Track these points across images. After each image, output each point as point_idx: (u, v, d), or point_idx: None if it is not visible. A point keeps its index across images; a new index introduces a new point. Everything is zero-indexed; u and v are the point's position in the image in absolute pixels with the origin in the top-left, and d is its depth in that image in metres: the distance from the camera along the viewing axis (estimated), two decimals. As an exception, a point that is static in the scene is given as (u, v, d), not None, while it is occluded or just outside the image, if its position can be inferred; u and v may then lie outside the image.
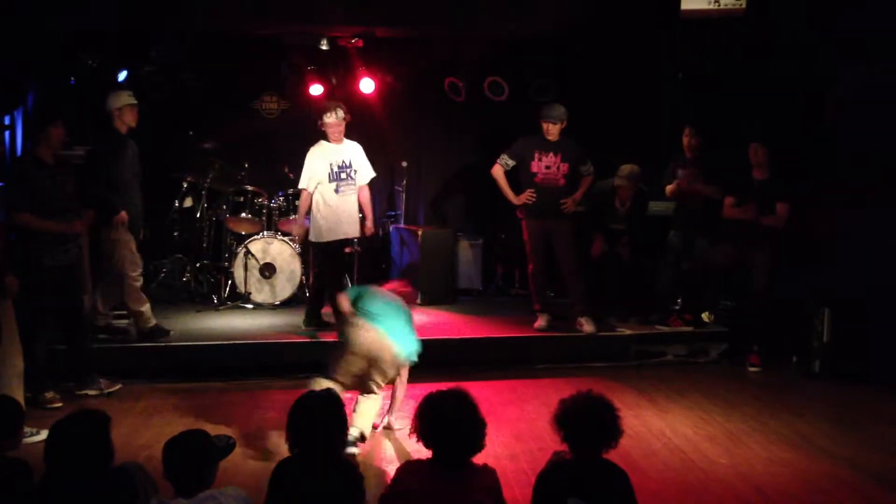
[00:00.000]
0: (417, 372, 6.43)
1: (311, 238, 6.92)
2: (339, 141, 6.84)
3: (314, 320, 7.05)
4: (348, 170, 6.83)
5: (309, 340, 6.70)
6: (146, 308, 6.52)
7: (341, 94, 8.41)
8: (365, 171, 6.98)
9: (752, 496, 4.28)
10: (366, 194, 7.01)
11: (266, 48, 8.10)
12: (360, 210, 7.01)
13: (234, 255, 7.90)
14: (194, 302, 8.00)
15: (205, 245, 8.24)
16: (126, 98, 6.44)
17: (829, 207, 6.83)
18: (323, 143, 6.87)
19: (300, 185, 6.85)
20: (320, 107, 7.05)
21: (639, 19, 6.95)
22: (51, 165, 5.47)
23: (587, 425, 2.96)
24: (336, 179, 6.78)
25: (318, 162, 6.78)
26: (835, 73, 6.89)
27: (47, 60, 7.38)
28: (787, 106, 7.26)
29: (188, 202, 8.34)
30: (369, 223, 7.08)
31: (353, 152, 6.92)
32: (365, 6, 6.92)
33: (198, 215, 8.25)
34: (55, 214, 5.42)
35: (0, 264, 4.82)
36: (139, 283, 6.50)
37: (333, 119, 6.73)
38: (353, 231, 6.94)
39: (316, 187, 6.76)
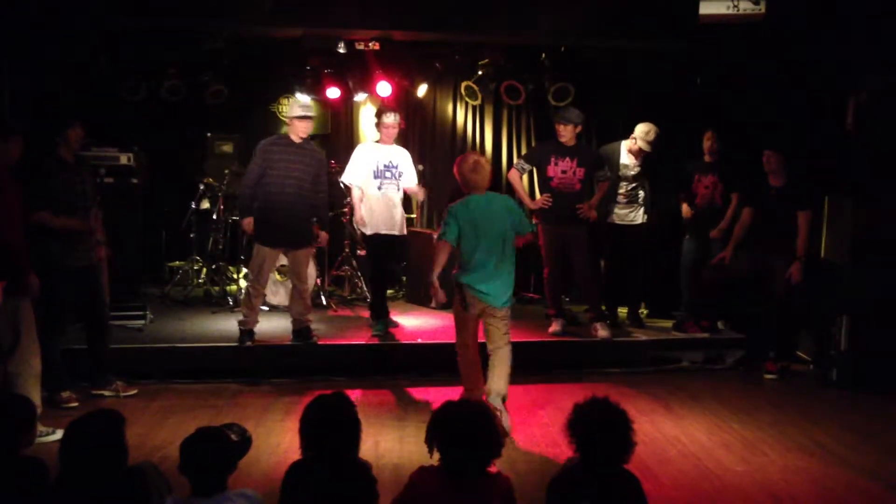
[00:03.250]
0: (432, 376, 6.47)
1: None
2: (388, 143, 7.13)
3: (381, 317, 7.16)
4: (394, 170, 7.09)
5: (323, 343, 6.71)
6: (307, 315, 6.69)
7: (358, 96, 8.47)
8: (411, 176, 7.26)
9: (768, 504, 4.26)
10: (413, 189, 7.31)
11: (283, 51, 8.12)
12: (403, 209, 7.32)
13: (249, 257, 7.92)
14: (210, 304, 8.03)
15: (221, 247, 8.28)
16: (296, 110, 6.51)
17: (850, 212, 6.77)
18: (371, 142, 7.30)
19: (341, 178, 7.23)
20: (381, 106, 7.47)
21: (657, 24, 6.92)
22: (72, 165, 5.56)
23: (600, 440, 2.93)
24: (380, 177, 7.03)
25: (364, 158, 7.05)
26: (856, 78, 6.84)
27: (66, 60, 7.43)
28: (807, 111, 7.21)
29: (205, 204, 8.39)
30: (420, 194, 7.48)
31: (400, 156, 7.19)
32: (382, 10, 6.94)
33: (214, 217, 8.29)
34: (76, 213, 5.48)
35: (22, 264, 4.85)
36: (253, 292, 6.55)
37: (392, 120, 7.04)
38: (389, 228, 7.07)
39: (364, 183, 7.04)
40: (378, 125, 7.13)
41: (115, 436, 2.96)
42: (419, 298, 8.36)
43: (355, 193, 7.07)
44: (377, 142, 7.19)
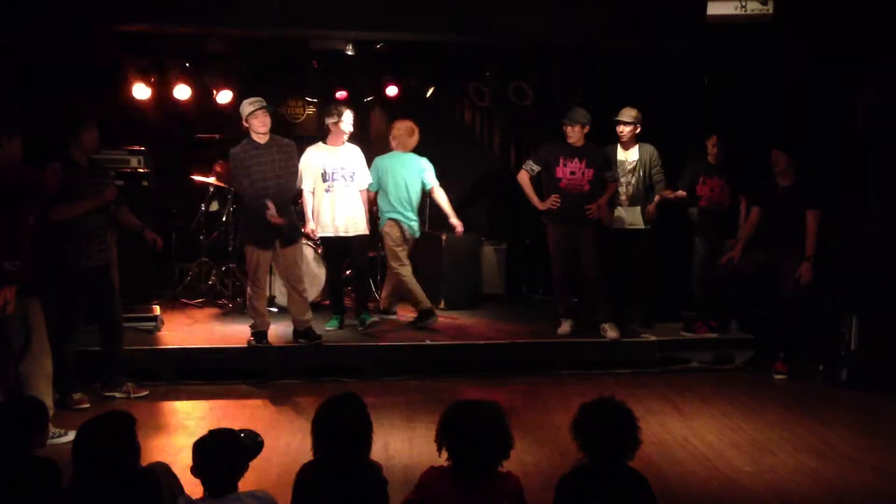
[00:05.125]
0: (440, 377, 6.49)
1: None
2: (338, 141, 7.08)
3: (337, 313, 7.38)
4: (343, 171, 7.03)
5: (333, 344, 6.73)
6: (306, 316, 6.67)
7: (366, 98, 8.49)
8: (364, 177, 7.20)
9: (778, 505, 4.25)
10: (365, 197, 7.23)
11: (291, 53, 8.15)
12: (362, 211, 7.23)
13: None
14: (219, 305, 8.05)
15: (230, 249, 8.29)
16: (246, 108, 6.40)
17: (860, 211, 6.75)
18: (319, 143, 7.16)
19: (298, 185, 6.99)
20: (331, 105, 7.40)
21: (664, 25, 6.91)
22: (85, 167, 5.59)
23: (606, 438, 2.93)
24: (329, 180, 7.01)
25: (310, 162, 7.02)
26: (865, 76, 6.82)
27: (74, 63, 7.47)
28: (815, 110, 7.19)
29: (214, 206, 8.41)
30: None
31: (351, 156, 7.14)
32: (389, 12, 6.94)
33: (224, 219, 8.31)
34: (89, 214, 5.52)
35: (32, 266, 4.87)
36: (253, 295, 6.54)
37: (335, 119, 7.00)
38: (340, 231, 7.05)
39: (314, 186, 7.04)
40: (326, 125, 7.12)
41: (126, 436, 2.97)
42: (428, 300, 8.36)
43: (306, 199, 7.04)
44: (325, 143, 7.13)
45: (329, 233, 7.08)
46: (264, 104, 6.43)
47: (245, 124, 6.44)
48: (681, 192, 7.39)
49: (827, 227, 6.69)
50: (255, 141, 6.44)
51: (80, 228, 5.51)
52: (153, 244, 6.04)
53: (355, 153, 7.21)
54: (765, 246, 6.77)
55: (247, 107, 6.40)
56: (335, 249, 7.26)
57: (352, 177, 7.08)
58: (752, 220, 6.86)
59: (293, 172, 6.63)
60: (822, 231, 6.59)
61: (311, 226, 7.09)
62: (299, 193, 7.03)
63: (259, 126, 6.39)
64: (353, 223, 7.10)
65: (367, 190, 7.21)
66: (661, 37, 7.10)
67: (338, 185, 7.03)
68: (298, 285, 6.62)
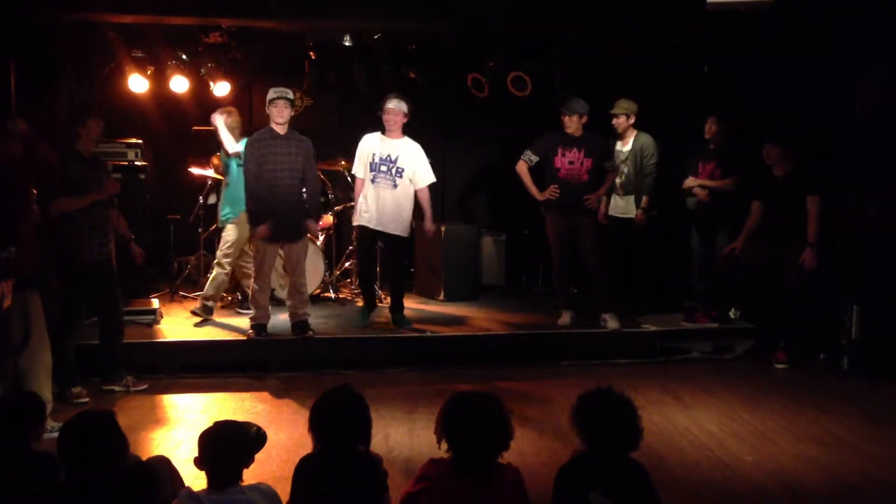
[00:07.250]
0: (441, 369, 6.48)
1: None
2: (392, 133, 6.82)
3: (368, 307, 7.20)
4: (390, 164, 6.77)
5: (331, 337, 6.72)
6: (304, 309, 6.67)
7: (363, 89, 8.44)
8: (422, 174, 6.89)
9: (779, 493, 4.25)
10: (424, 195, 6.94)
11: (288, 44, 8.11)
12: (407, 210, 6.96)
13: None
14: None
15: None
16: (270, 94, 6.36)
17: (860, 200, 6.72)
18: (377, 132, 6.92)
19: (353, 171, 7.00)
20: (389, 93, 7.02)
21: (664, 13, 6.88)
22: (88, 159, 5.59)
23: (605, 428, 2.92)
24: (374, 170, 6.79)
25: (362, 149, 6.88)
26: (867, 61, 6.77)
27: (72, 54, 7.43)
28: (816, 97, 7.15)
29: (212, 199, 8.39)
30: (427, 223, 7.01)
31: (404, 150, 6.84)
32: (387, 2, 6.90)
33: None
34: (93, 206, 5.50)
35: (31, 258, 4.84)
36: (257, 288, 6.54)
37: (393, 105, 6.74)
38: (377, 224, 6.82)
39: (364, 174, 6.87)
40: (381, 113, 6.83)
41: (107, 432, 2.92)
42: (428, 291, 8.38)
43: (357, 186, 6.92)
44: (383, 132, 6.87)
45: (364, 223, 6.84)
46: (286, 95, 6.34)
47: (268, 112, 6.41)
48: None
49: (827, 216, 6.67)
50: (274, 130, 6.39)
51: (82, 223, 5.50)
52: (134, 259, 5.96)
53: (410, 148, 6.86)
54: (767, 236, 6.75)
55: (270, 93, 6.37)
56: (364, 241, 7.03)
57: (399, 172, 6.76)
58: (754, 215, 6.85)
59: (310, 169, 6.52)
60: (823, 218, 6.57)
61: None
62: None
63: (276, 116, 6.33)
64: (392, 221, 6.82)
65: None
66: (661, 25, 7.07)
67: (382, 178, 6.77)
68: (300, 279, 6.60)
